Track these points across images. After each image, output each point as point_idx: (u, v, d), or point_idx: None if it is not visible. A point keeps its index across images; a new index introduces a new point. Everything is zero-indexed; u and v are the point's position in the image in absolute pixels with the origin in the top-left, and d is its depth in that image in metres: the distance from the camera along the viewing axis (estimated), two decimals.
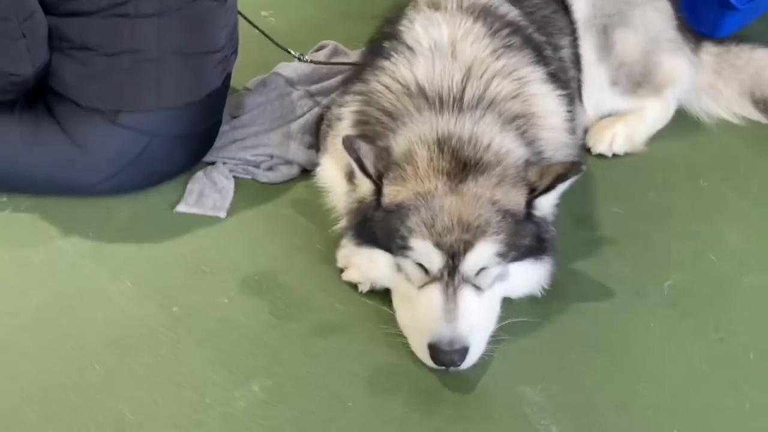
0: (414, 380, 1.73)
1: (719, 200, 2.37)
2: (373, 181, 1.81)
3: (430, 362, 1.70)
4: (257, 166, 2.42)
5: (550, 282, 1.90)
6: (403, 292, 1.80)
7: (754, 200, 2.37)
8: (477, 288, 1.74)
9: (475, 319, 1.70)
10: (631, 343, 1.85)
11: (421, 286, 1.75)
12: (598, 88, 2.54)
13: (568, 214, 2.16)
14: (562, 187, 1.79)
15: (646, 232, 2.20)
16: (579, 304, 1.96)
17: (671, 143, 2.63)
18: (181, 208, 2.27)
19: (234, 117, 2.56)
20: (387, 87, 2.01)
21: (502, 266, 1.77)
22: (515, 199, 1.77)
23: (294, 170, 2.42)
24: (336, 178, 2.21)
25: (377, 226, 1.80)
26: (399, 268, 1.79)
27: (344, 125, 2.15)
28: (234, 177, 2.38)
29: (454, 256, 1.70)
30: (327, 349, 1.82)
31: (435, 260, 1.71)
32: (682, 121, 2.73)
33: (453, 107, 1.88)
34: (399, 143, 1.86)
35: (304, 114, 2.53)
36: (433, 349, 1.66)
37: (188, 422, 1.62)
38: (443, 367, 1.69)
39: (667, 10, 2.68)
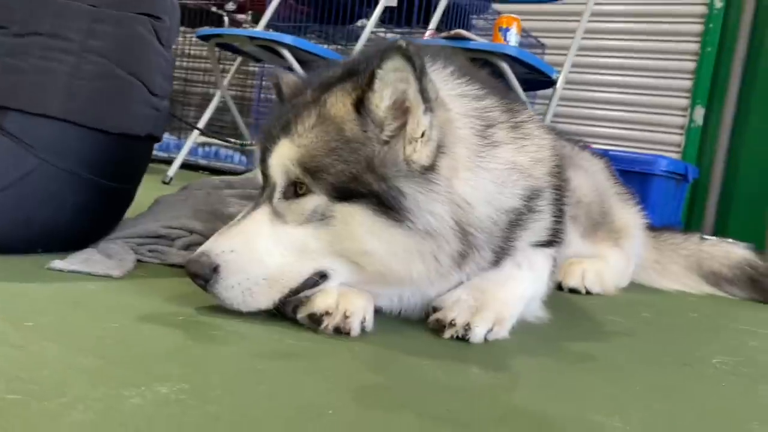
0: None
1: None
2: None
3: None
4: (170, 242, 1.85)
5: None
6: None
7: None
8: (278, 215, 1.38)
9: (243, 247, 1.37)
10: None
11: None
12: None
13: None
14: (386, 80, 1.31)
15: None
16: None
17: None
18: (57, 264, 1.61)
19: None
20: None
21: (319, 195, 1.34)
22: (342, 102, 1.37)
23: None
24: None
25: None
26: None
27: None
28: (138, 260, 1.78)
29: (263, 163, 1.43)
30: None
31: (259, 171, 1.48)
32: None
33: None
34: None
35: (229, 207, 2.06)
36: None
37: None
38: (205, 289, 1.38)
39: (606, 167, 2.71)
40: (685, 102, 5.30)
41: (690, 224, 4.95)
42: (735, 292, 2.61)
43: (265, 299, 1.36)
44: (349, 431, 0.95)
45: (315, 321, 1.36)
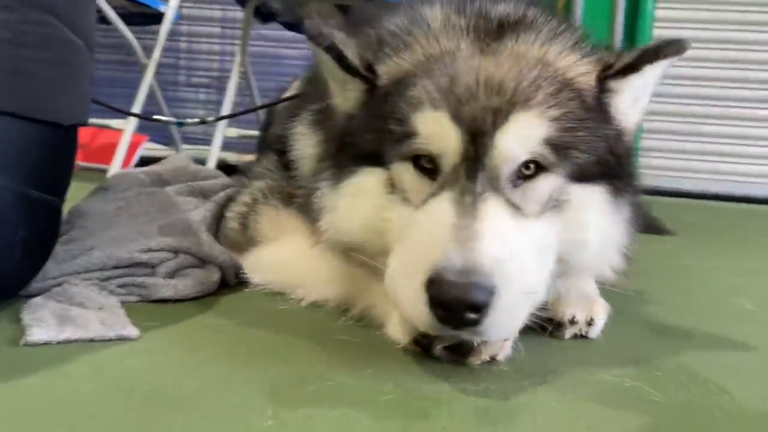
0: None
1: None
2: (360, 75, 1.21)
3: (429, 324, 1.02)
4: (152, 270, 1.36)
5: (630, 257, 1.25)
6: (398, 226, 1.14)
7: None
8: (515, 207, 1.08)
9: (510, 255, 1.03)
10: None
11: (425, 202, 1.11)
12: None
13: None
14: (651, 72, 1.23)
15: None
16: None
17: None
18: (37, 335, 1.07)
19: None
20: None
21: (557, 176, 1.12)
22: (579, 68, 1.20)
23: (215, 276, 1.43)
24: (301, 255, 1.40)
25: (365, 128, 1.21)
26: (393, 188, 1.17)
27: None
28: None
29: (477, 137, 1.07)
30: None
31: (449, 143, 1.08)
32: None
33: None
34: (395, 22, 1.32)
35: (191, 211, 1.59)
36: (434, 285, 0.99)
37: None
38: (451, 328, 1.01)
39: None
40: None
41: None
42: None
43: (521, 321, 1.07)
44: None
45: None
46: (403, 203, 1.13)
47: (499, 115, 1.08)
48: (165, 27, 3.41)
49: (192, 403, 0.93)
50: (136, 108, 3.21)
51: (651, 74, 1.24)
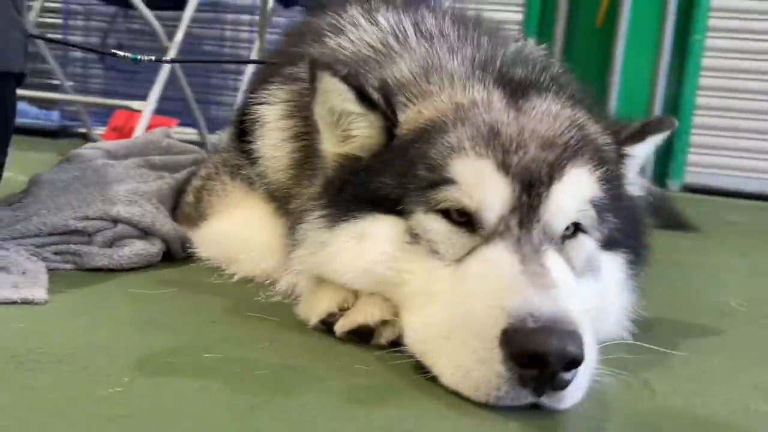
0: None
1: None
2: (381, 111, 1.09)
3: (498, 387, 0.85)
4: (88, 239, 1.36)
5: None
6: (422, 279, 1.01)
7: None
8: (569, 263, 1.00)
9: (583, 310, 0.93)
10: None
11: (464, 257, 0.97)
12: None
13: None
14: (651, 143, 1.24)
15: None
16: None
17: None
18: None
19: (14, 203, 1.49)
20: (353, 41, 1.32)
21: (592, 240, 1.06)
22: (602, 137, 1.16)
23: (156, 248, 1.41)
24: (255, 225, 1.34)
25: (381, 173, 1.07)
26: (415, 238, 1.02)
27: (272, 125, 1.35)
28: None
29: (531, 188, 0.98)
30: None
31: (496, 193, 0.97)
32: None
33: (477, 38, 1.29)
34: (401, 70, 1.20)
35: (147, 182, 1.57)
36: (519, 335, 0.82)
37: None
38: (531, 392, 0.85)
39: None
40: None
41: None
42: None
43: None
44: None
45: None
46: (431, 255, 1.00)
47: (556, 168, 1.00)
48: (188, 12, 3.45)
49: (58, 366, 0.90)
50: (155, 91, 3.26)
51: (651, 146, 1.24)
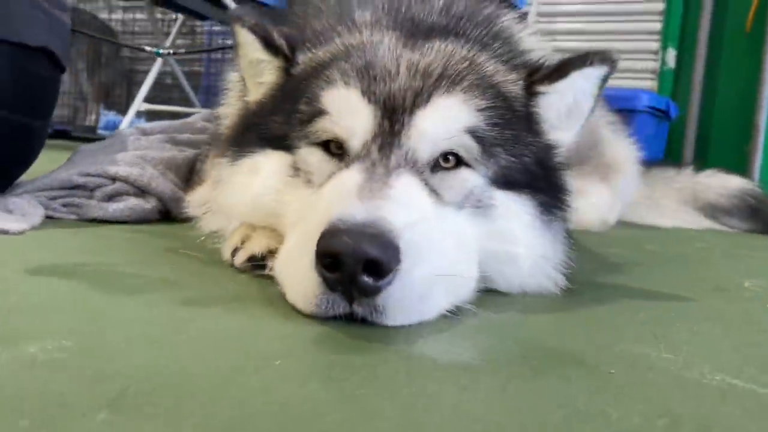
0: None
1: None
2: (282, 53, 1.17)
3: (315, 294, 0.87)
4: (90, 193, 1.52)
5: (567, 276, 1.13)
6: (298, 205, 1.06)
7: None
8: (432, 190, 0.99)
9: (423, 225, 0.91)
10: None
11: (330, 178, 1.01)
12: None
13: None
14: (579, 80, 1.15)
15: None
16: None
17: None
18: None
19: None
20: None
21: (479, 175, 1.04)
22: (507, 75, 1.14)
23: (149, 204, 1.55)
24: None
25: (274, 111, 1.16)
26: (297, 172, 1.08)
27: (232, 89, 1.44)
28: (49, 217, 1.45)
29: (394, 114, 1.00)
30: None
31: (359, 119, 1.00)
32: None
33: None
34: (321, 22, 1.26)
35: (160, 151, 1.73)
36: (324, 238, 0.84)
37: None
38: (341, 297, 0.86)
39: None
40: (655, 45, 5.03)
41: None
42: (733, 224, 2.44)
43: (435, 309, 0.92)
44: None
45: None
46: (306, 185, 1.06)
47: (420, 96, 1.02)
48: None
49: None
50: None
51: (581, 85, 1.16)
